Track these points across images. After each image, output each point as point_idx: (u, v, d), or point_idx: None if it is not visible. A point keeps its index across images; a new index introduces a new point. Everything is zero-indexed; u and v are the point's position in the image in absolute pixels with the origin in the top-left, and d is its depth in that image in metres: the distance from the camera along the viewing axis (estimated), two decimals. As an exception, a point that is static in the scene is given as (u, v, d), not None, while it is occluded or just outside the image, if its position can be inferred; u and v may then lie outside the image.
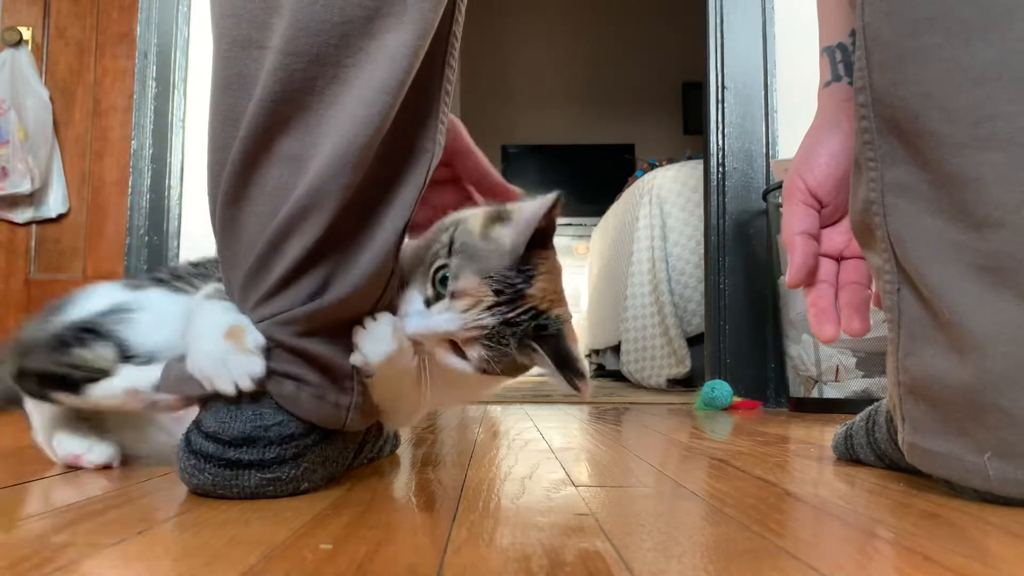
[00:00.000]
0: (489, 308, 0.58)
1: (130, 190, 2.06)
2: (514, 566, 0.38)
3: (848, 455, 0.78)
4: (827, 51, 0.66)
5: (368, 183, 0.56)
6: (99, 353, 0.66)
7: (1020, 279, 0.50)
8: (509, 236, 0.60)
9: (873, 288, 0.61)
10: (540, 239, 0.60)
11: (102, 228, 2.42)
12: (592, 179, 5.18)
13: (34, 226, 2.43)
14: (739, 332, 2.00)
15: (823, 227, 0.65)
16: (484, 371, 0.60)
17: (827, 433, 1.15)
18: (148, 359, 0.68)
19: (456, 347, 0.60)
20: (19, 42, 2.41)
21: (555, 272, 0.62)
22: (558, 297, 0.61)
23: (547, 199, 0.59)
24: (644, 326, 2.89)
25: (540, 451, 0.88)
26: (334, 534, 0.45)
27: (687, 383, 2.75)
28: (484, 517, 0.50)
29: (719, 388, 1.76)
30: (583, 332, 4.45)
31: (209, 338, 0.57)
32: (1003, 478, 0.52)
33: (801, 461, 0.81)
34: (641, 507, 0.55)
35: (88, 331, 0.67)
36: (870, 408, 0.76)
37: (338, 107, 0.55)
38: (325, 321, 0.57)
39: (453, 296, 0.59)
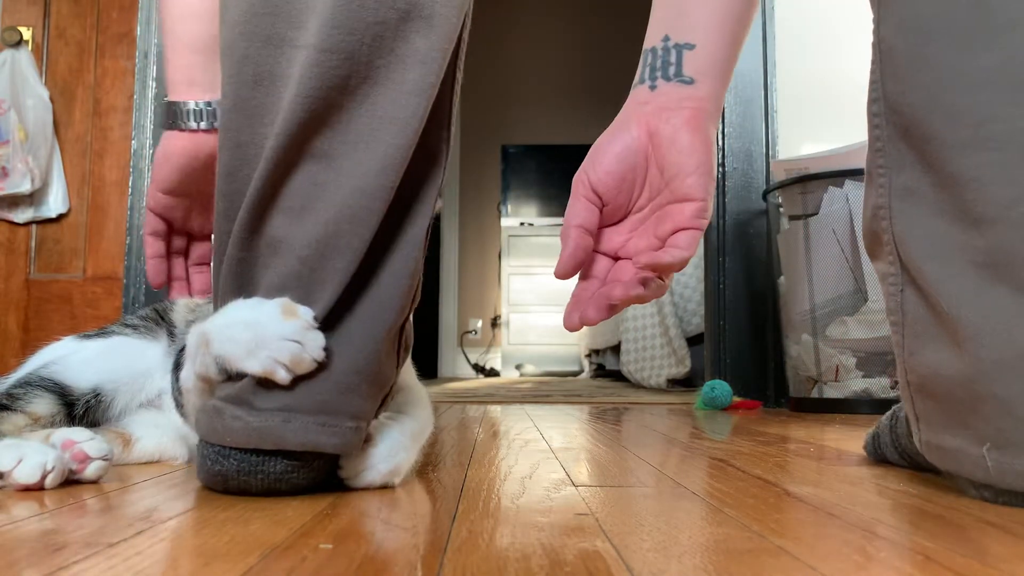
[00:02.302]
0: None
1: (130, 190, 2.06)
2: (514, 566, 0.38)
3: (876, 455, 0.79)
4: (643, 53, 0.67)
5: (401, 184, 0.58)
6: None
7: (1014, 272, 0.52)
8: None
9: (618, 292, 0.60)
10: None
11: (102, 228, 2.42)
12: (592, 179, 5.17)
13: (34, 226, 2.43)
14: (739, 332, 2.00)
15: (606, 226, 0.64)
16: None
17: (827, 433, 1.15)
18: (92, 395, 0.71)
19: None
20: (19, 42, 2.41)
21: None
22: None
23: None
24: (644, 326, 2.89)
25: (540, 451, 0.88)
26: (334, 534, 0.45)
27: (687, 383, 2.75)
28: (484, 517, 0.50)
29: (719, 388, 1.76)
30: (583, 332, 4.45)
31: (270, 322, 0.54)
32: (1001, 468, 0.53)
33: (801, 461, 0.81)
34: (641, 507, 0.55)
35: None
36: (895, 407, 0.77)
37: (368, 106, 0.56)
38: (372, 329, 0.58)
39: None
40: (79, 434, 0.62)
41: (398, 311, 0.59)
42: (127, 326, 0.78)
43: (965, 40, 0.53)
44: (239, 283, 0.58)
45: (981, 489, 0.55)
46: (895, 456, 0.75)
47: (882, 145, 0.59)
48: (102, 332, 0.78)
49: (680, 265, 0.58)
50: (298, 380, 0.55)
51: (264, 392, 0.55)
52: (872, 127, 0.59)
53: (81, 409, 0.70)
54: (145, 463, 0.74)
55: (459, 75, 0.62)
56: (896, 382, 1.60)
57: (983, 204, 0.52)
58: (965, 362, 0.53)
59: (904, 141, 0.57)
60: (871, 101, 0.59)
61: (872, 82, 0.59)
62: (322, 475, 0.58)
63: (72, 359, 0.72)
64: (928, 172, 0.55)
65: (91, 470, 0.61)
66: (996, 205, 0.52)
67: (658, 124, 0.61)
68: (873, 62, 0.59)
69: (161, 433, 0.74)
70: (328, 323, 0.56)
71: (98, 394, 0.71)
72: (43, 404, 0.68)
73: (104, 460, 0.62)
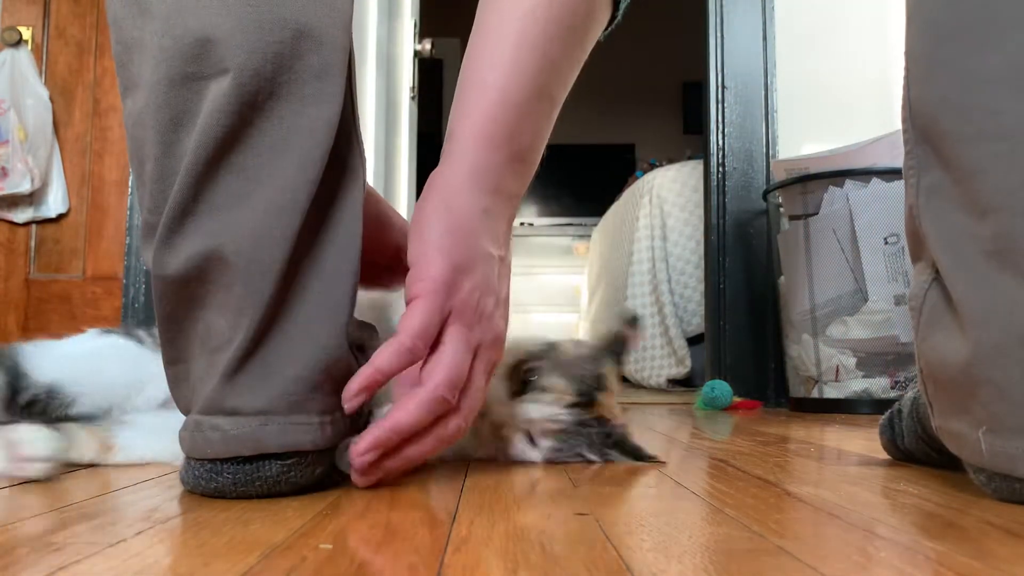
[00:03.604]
0: (568, 407, 0.69)
1: (130, 190, 2.06)
2: (514, 566, 0.38)
3: (890, 431, 0.78)
4: None
5: (323, 189, 0.58)
6: None
7: (1017, 259, 0.53)
8: (594, 347, 0.73)
9: None
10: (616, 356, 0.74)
11: (102, 228, 2.42)
12: (592, 179, 5.18)
13: (34, 226, 2.43)
14: (739, 332, 2.00)
15: None
16: (549, 460, 0.70)
17: (827, 433, 1.15)
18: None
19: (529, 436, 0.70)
20: (19, 42, 2.41)
21: (618, 388, 0.74)
22: (619, 411, 0.74)
23: (625, 319, 0.76)
24: (644, 326, 2.89)
25: (540, 451, 0.88)
26: (334, 534, 0.45)
27: (687, 383, 2.76)
28: (484, 517, 0.50)
29: (719, 388, 1.76)
30: (583, 332, 4.45)
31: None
32: (993, 452, 0.54)
33: (801, 461, 0.81)
34: (641, 507, 0.55)
35: None
36: (915, 391, 0.76)
37: (276, 119, 0.57)
38: (328, 324, 0.58)
39: (543, 390, 0.69)
40: (27, 433, 0.63)
41: (349, 307, 0.59)
42: (137, 333, 0.79)
43: (974, 40, 0.55)
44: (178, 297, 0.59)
45: (978, 473, 0.57)
46: (912, 439, 0.74)
47: (910, 148, 0.62)
48: (125, 333, 0.78)
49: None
50: (271, 383, 0.55)
51: (237, 395, 0.55)
52: (903, 131, 0.63)
53: (25, 399, 0.70)
54: (138, 465, 0.74)
55: (355, 91, 0.64)
56: (896, 382, 1.60)
57: (989, 193, 0.54)
58: (967, 347, 0.55)
59: (927, 142, 0.60)
60: (901, 107, 0.63)
61: (903, 88, 0.62)
62: (322, 469, 0.58)
63: (45, 349, 0.72)
64: (946, 169, 0.58)
65: (33, 470, 0.62)
66: (1001, 193, 0.53)
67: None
68: (904, 69, 0.62)
69: (156, 439, 0.73)
70: (286, 318, 0.56)
71: (52, 391, 0.71)
72: None
73: (46, 462, 0.62)
